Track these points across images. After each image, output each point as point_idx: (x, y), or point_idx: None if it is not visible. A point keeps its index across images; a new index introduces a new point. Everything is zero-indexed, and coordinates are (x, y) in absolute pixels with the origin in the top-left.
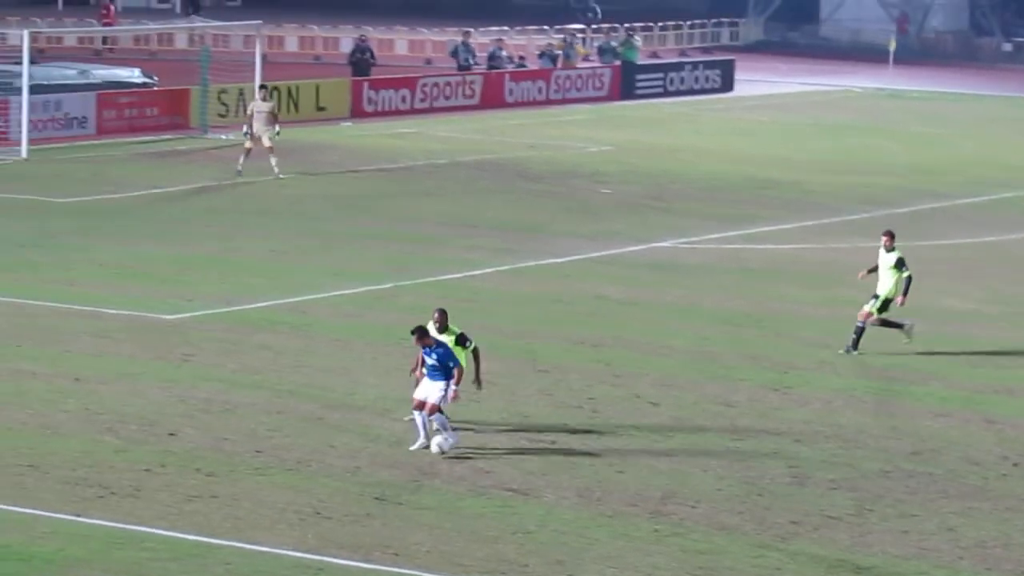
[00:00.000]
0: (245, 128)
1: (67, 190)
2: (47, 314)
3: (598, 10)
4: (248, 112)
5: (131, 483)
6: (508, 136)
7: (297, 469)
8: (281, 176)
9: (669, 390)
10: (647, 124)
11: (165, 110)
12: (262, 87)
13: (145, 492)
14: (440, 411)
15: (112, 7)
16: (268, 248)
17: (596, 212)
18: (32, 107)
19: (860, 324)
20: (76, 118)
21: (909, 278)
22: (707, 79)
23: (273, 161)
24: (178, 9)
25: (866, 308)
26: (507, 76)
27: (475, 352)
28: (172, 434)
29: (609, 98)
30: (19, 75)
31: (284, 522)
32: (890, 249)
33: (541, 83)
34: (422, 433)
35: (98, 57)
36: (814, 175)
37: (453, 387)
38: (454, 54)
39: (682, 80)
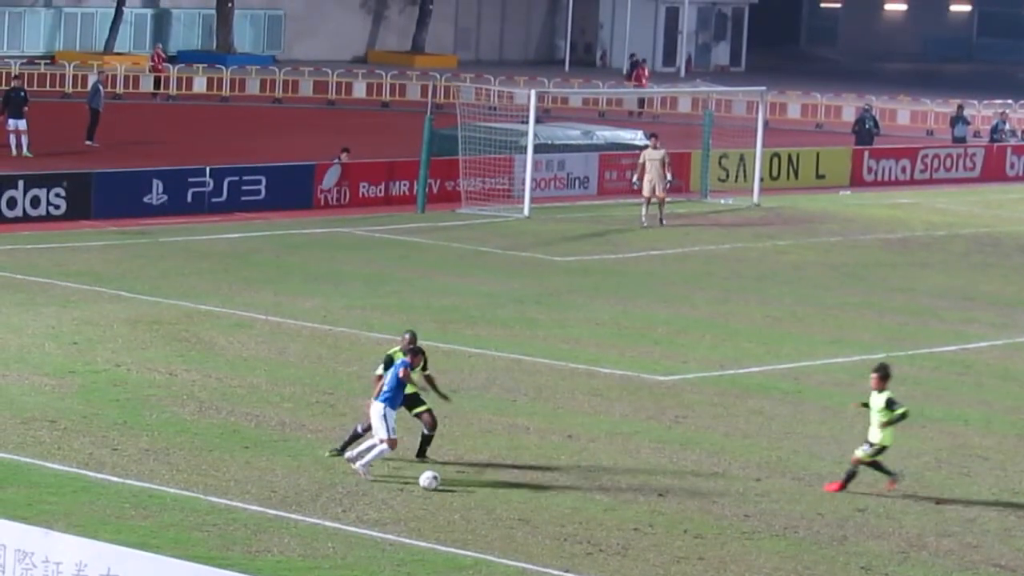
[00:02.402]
0: (635, 178)
1: (567, 249)
2: (543, 370)
3: None
4: (640, 161)
5: (619, 541)
6: (1008, 210)
7: (784, 535)
8: (664, 224)
9: None
10: None
11: None
12: (652, 135)
13: (633, 551)
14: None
15: (645, 68)
16: (764, 314)
17: None
18: (535, 166)
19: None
20: (578, 178)
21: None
22: None
23: (662, 211)
24: (683, 73)
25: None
26: (1009, 149)
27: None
28: (661, 495)
29: None
30: (525, 134)
31: None
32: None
33: None
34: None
35: (601, 119)
36: None
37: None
38: (952, 125)
39: None
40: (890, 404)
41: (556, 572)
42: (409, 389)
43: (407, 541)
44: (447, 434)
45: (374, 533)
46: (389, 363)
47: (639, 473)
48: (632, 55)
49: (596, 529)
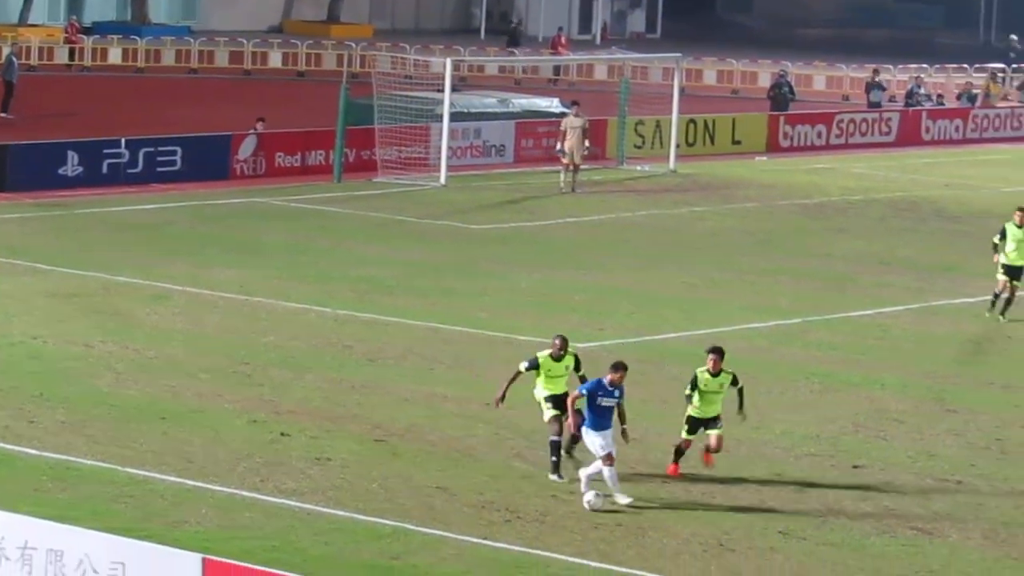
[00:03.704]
0: (558, 145)
1: (484, 217)
2: (461, 339)
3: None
4: (562, 128)
5: (538, 508)
6: (923, 174)
7: (702, 500)
8: (577, 191)
9: None
10: None
11: None
12: (574, 103)
13: (551, 518)
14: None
15: (562, 36)
16: (681, 280)
17: None
18: (452, 134)
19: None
20: (495, 146)
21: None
22: None
23: (577, 178)
24: (599, 40)
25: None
26: (924, 114)
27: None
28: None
29: None
30: (441, 103)
31: (688, 552)
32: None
33: (959, 122)
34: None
35: (517, 87)
36: None
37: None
38: (867, 90)
39: None
40: (735, 383)
41: (475, 540)
42: (560, 387)
43: (325, 510)
44: (365, 403)
45: (292, 503)
46: (535, 363)
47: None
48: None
49: (515, 496)
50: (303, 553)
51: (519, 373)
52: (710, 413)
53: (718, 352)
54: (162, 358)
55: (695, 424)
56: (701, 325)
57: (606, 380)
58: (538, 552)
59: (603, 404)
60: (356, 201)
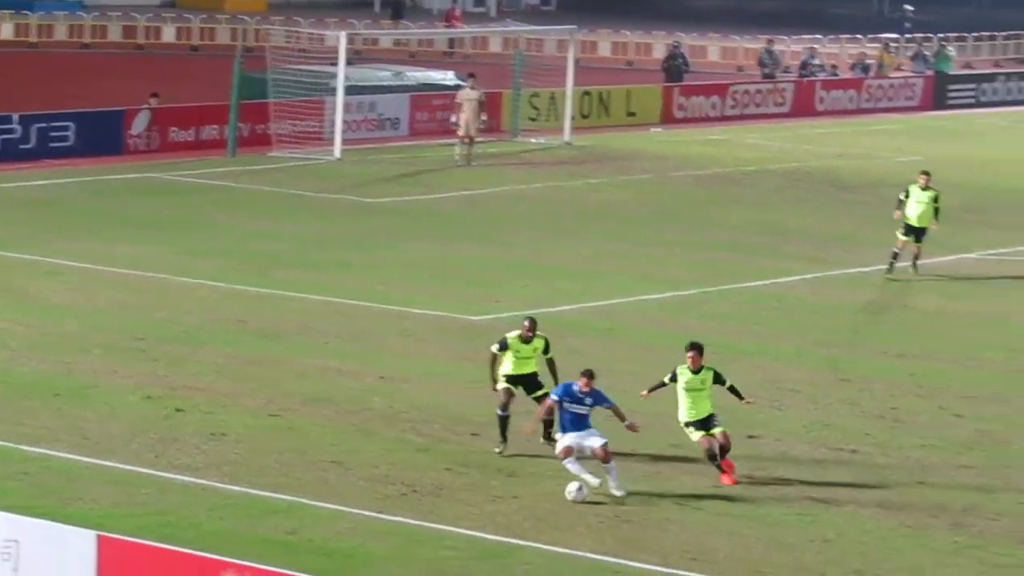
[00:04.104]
0: (453, 117)
1: (379, 190)
2: (357, 313)
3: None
4: (458, 101)
5: (433, 482)
6: (818, 145)
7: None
8: (473, 164)
9: (974, 403)
10: (959, 135)
11: None
12: (470, 75)
13: (447, 491)
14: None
15: (457, 9)
16: (577, 252)
17: None
18: (346, 108)
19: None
20: (389, 119)
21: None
22: (1021, 91)
23: (472, 151)
24: (493, 13)
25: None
26: (818, 84)
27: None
28: (475, 434)
29: (921, 108)
30: (335, 76)
31: (584, 524)
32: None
33: (852, 92)
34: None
35: (412, 60)
36: None
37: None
38: (760, 62)
39: (995, 91)
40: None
41: (370, 513)
42: (528, 368)
43: (221, 486)
44: (260, 378)
45: (188, 478)
46: (505, 344)
47: (453, 414)
48: None
49: (410, 470)
50: (198, 528)
51: (495, 356)
52: (703, 413)
53: (696, 348)
54: (56, 334)
55: (696, 427)
56: (597, 296)
57: (576, 386)
58: (433, 525)
59: (574, 411)
60: (251, 175)
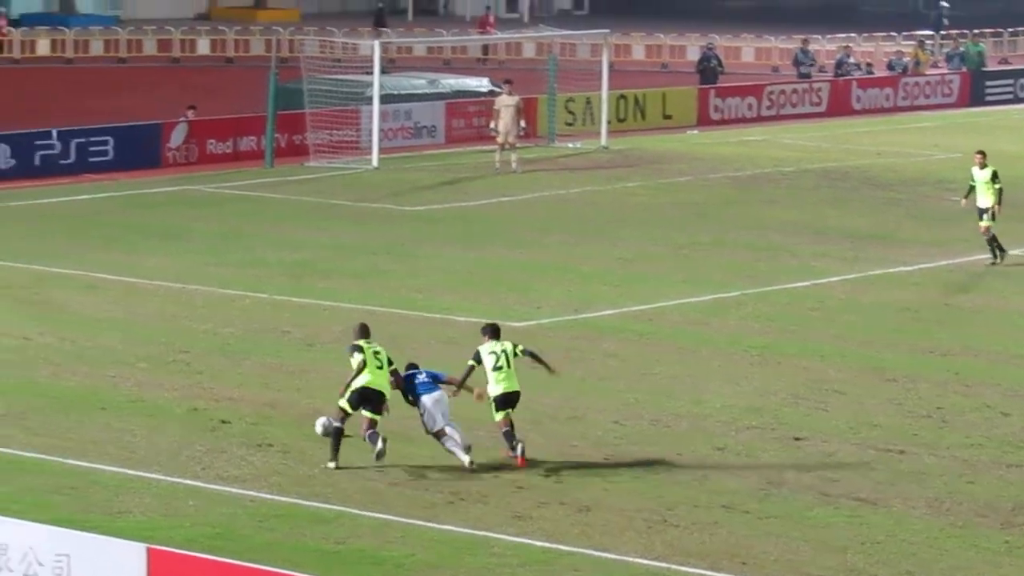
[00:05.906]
0: (492, 124)
1: (417, 198)
2: (398, 320)
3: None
4: (495, 108)
5: (480, 489)
6: (855, 144)
7: (644, 476)
8: (517, 171)
9: (1020, 400)
10: (997, 131)
11: None
12: (507, 81)
13: (494, 498)
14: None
15: (490, 15)
16: (616, 256)
17: (944, 220)
18: (382, 116)
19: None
20: (426, 127)
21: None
22: None
23: (514, 156)
24: (526, 18)
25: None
26: (854, 83)
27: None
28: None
29: (958, 105)
30: (370, 85)
31: (632, 529)
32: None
33: (889, 90)
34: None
35: (446, 67)
36: None
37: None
38: (795, 62)
39: None
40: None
41: (418, 522)
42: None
43: (268, 496)
44: (303, 388)
45: (234, 490)
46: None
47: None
48: None
49: (456, 478)
50: (247, 540)
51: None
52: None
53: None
54: (99, 348)
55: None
56: (636, 301)
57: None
58: (482, 533)
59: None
60: (289, 186)
